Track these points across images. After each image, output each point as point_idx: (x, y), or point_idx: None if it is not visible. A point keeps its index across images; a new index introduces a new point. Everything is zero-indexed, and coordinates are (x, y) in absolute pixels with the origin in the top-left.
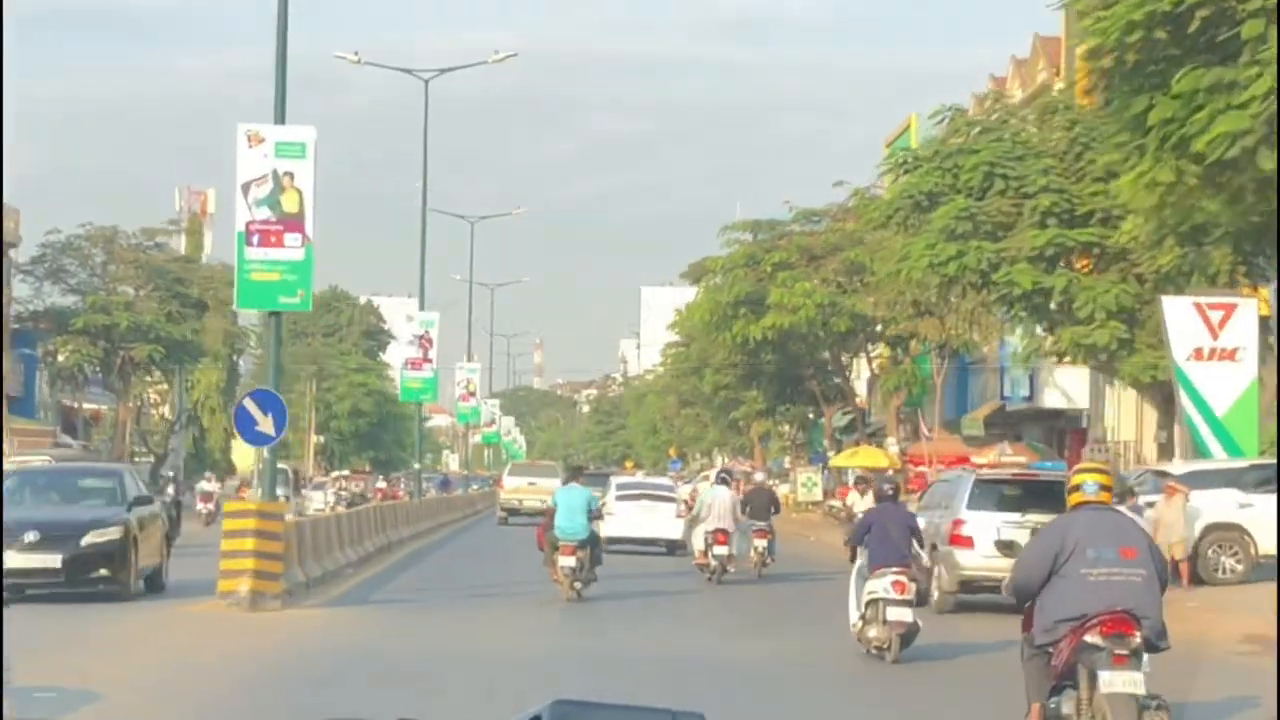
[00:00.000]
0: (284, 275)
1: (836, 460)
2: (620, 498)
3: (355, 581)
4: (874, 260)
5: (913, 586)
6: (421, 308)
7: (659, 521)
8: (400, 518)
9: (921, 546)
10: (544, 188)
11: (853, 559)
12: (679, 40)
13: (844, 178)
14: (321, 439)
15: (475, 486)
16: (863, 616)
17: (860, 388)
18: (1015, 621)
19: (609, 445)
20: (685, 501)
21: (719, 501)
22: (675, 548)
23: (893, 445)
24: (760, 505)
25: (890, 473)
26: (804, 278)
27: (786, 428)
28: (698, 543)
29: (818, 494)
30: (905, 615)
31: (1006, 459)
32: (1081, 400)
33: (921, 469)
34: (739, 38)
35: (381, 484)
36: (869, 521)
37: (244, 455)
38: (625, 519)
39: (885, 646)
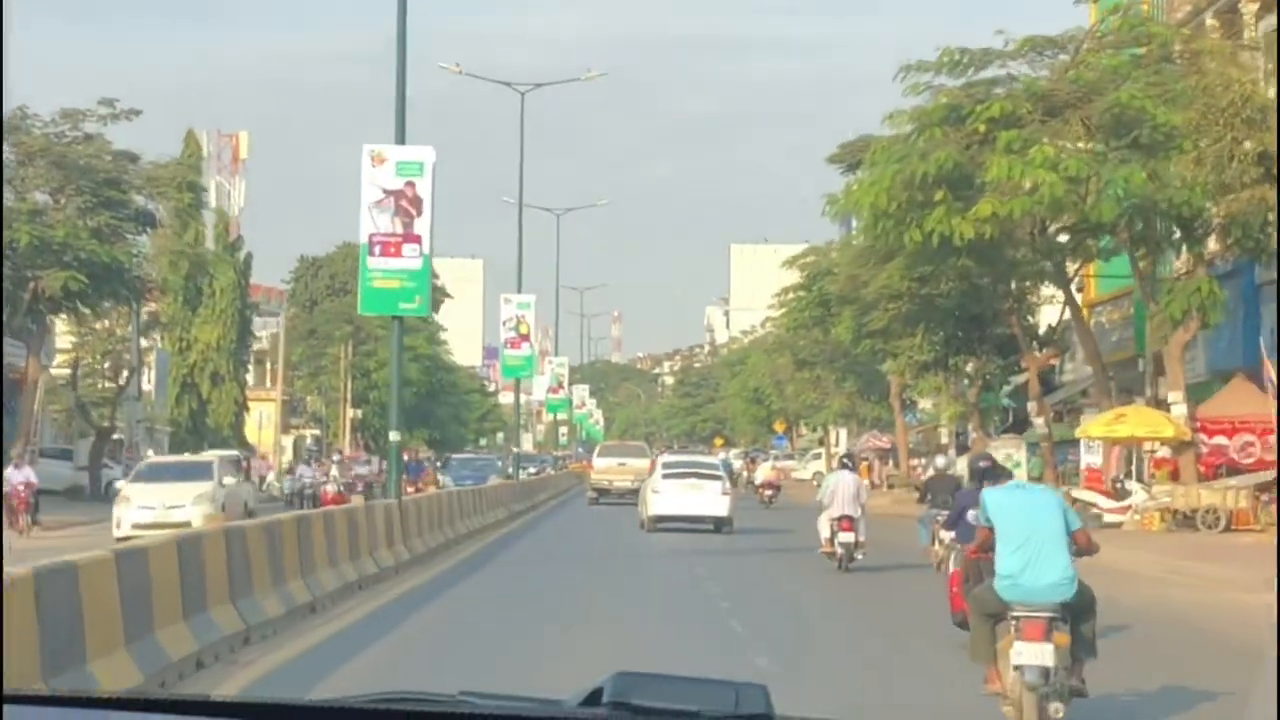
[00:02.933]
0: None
1: (1091, 428)
2: (667, 475)
3: None
4: (1161, 106)
5: None
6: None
7: (706, 499)
8: (287, 564)
9: None
10: (622, 170)
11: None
12: (754, 18)
13: None
14: (359, 413)
15: (532, 470)
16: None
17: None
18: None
19: (697, 420)
20: (765, 482)
21: (843, 486)
22: (722, 525)
23: (1177, 405)
24: (944, 493)
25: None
26: (1039, 139)
27: (952, 386)
28: (823, 530)
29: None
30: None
31: None
32: None
33: (1218, 439)
34: (817, 12)
35: (364, 468)
36: (963, 505)
37: (257, 429)
38: (672, 496)
39: None
